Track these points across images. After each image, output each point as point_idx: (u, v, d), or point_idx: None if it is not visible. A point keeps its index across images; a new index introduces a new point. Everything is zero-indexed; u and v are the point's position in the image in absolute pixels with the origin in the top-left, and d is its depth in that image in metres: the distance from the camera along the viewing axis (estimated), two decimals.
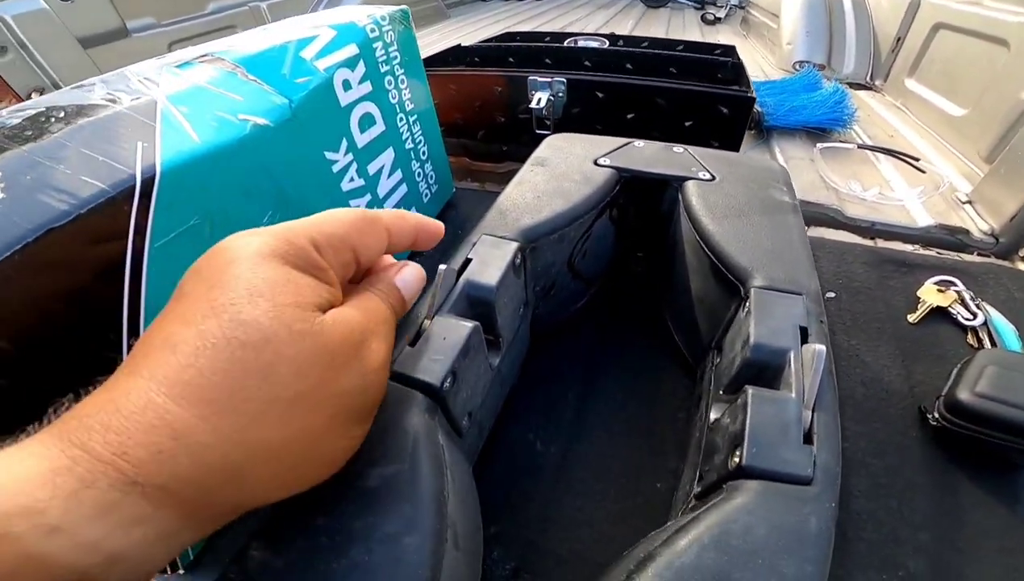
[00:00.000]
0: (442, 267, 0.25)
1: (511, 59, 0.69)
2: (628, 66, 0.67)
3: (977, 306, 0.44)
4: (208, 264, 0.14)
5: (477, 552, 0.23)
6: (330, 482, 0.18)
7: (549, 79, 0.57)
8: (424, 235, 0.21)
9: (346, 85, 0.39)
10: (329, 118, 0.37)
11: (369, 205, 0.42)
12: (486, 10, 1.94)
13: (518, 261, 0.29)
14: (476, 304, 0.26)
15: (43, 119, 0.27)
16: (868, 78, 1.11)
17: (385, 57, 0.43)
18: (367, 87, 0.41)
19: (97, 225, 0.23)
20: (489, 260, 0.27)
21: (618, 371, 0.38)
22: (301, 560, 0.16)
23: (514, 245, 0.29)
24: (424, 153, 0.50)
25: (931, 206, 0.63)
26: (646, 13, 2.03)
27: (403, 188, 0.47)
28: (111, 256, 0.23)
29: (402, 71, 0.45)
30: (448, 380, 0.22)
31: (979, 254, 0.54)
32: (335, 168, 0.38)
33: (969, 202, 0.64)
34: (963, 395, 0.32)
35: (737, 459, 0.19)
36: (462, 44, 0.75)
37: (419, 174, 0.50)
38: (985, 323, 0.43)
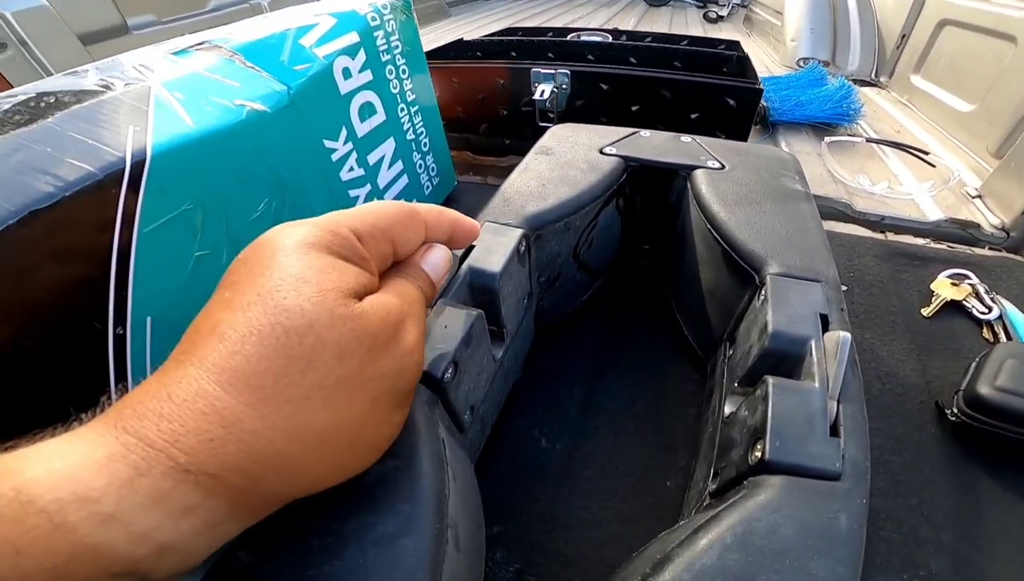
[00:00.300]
0: (450, 254, 0.23)
1: (513, 53, 0.68)
2: (632, 60, 0.66)
3: (992, 300, 0.43)
4: (255, 253, 0.15)
5: (479, 554, 0.21)
6: None
7: (553, 71, 0.56)
8: (460, 233, 0.21)
9: (346, 73, 0.38)
10: (328, 106, 0.36)
11: (369, 195, 0.41)
12: (487, 8, 1.94)
13: (523, 249, 0.28)
14: (479, 292, 0.25)
15: (33, 104, 0.26)
16: (873, 75, 1.10)
17: (386, 46, 0.42)
18: (367, 76, 0.40)
19: (84, 209, 0.22)
20: (493, 247, 0.26)
21: (625, 366, 0.37)
22: (291, 563, 0.15)
23: (519, 232, 0.27)
24: (426, 144, 0.49)
25: (941, 200, 0.62)
26: (648, 11, 2.02)
27: (404, 179, 0.46)
28: (98, 241, 0.22)
29: (403, 61, 0.44)
30: (449, 370, 0.21)
31: (990, 248, 0.53)
32: (334, 157, 0.37)
33: (979, 197, 0.63)
34: (983, 390, 0.31)
35: (759, 453, 0.18)
36: (464, 38, 0.74)
37: (420, 166, 0.49)
38: (1000, 317, 0.42)
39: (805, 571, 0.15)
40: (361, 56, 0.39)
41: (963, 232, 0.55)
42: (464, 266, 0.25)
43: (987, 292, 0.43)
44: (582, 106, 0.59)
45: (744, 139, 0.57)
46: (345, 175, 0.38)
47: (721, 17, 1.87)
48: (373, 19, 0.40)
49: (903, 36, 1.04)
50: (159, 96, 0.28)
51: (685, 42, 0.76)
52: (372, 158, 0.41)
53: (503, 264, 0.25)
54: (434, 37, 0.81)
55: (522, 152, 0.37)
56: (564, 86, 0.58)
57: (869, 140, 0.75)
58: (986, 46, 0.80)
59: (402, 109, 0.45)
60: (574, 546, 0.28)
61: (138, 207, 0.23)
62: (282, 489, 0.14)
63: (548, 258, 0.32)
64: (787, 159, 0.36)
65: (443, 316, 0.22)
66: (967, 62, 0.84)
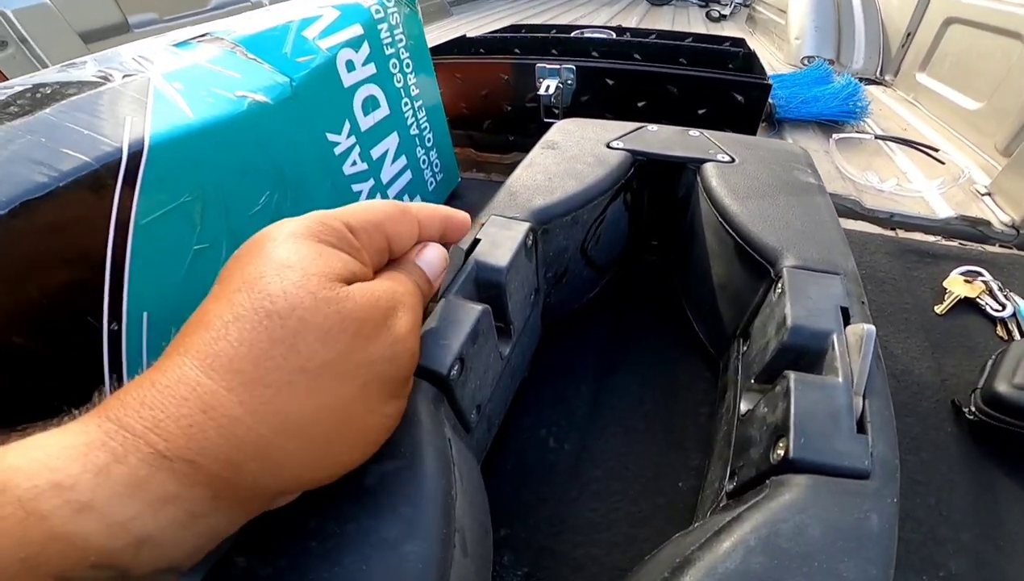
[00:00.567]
0: (447, 253, 0.23)
1: (517, 50, 0.67)
2: (636, 56, 0.66)
3: (1005, 297, 0.42)
4: (247, 247, 0.15)
5: (486, 558, 0.21)
6: None
7: (558, 66, 0.56)
8: (451, 227, 0.21)
9: (349, 66, 0.37)
10: (331, 99, 0.36)
11: (372, 190, 0.41)
12: (488, 7, 1.93)
13: (529, 242, 0.27)
14: (485, 287, 0.25)
15: (29, 95, 0.26)
16: (878, 73, 1.10)
17: (390, 40, 0.41)
18: (371, 69, 0.39)
19: (78, 200, 0.21)
20: (499, 241, 0.25)
21: (634, 363, 0.36)
22: (289, 568, 0.14)
23: (526, 226, 0.27)
24: (429, 140, 0.49)
25: (950, 198, 0.61)
26: (650, 11, 2.01)
27: (407, 174, 0.45)
28: (93, 233, 0.21)
29: (407, 55, 0.43)
30: (456, 367, 0.20)
31: (1001, 246, 0.52)
32: (337, 150, 0.36)
33: (988, 194, 0.63)
34: (1001, 387, 0.31)
35: (782, 452, 0.17)
36: (467, 35, 0.73)
37: (424, 161, 0.48)
38: (1014, 314, 0.41)
39: (835, 573, 0.14)
40: (365, 49, 0.38)
41: (974, 229, 0.54)
42: (470, 260, 0.24)
43: (1000, 289, 0.43)
44: (587, 102, 0.59)
45: (752, 135, 0.56)
46: (348, 169, 0.38)
47: (724, 16, 1.86)
48: (377, 12, 0.40)
49: (908, 34, 1.04)
50: (158, 87, 0.27)
51: (690, 39, 0.75)
52: (375, 152, 0.41)
53: (510, 258, 0.25)
54: (436, 36, 0.80)
55: (526, 149, 0.37)
56: (569, 82, 0.57)
57: (878, 137, 0.74)
58: (993, 44, 0.79)
59: (406, 103, 0.44)
60: (583, 549, 0.27)
61: (135, 199, 0.23)
62: (266, 479, 0.13)
63: (555, 253, 0.32)
64: (798, 153, 0.35)
65: (449, 311, 0.22)
66: (974, 60, 0.84)
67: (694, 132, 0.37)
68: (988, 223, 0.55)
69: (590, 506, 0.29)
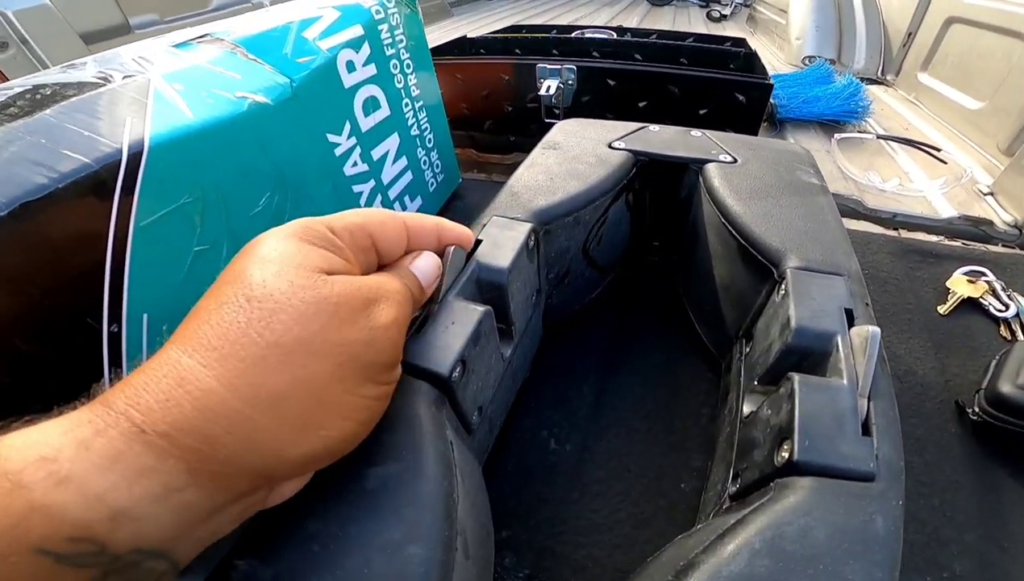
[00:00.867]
0: (450, 248, 0.22)
1: (517, 50, 0.67)
2: (637, 56, 0.66)
3: (1009, 297, 0.42)
4: (241, 251, 0.16)
5: (488, 559, 0.21)
6: (323, 482, 0.16)
7: (559, 66, 0.56)
8: (448, 237, 0.22)
9: (350, 66, 0.37)
10: (332, 99, 0.36)
11: (373, 191, 0.41)
12: (489, 8, 1.93)
13: (531, 243, 0.27)
14: (487, 288, 0.24)
15: (29, 96, 0.26)
16: (879, 73, 1.09)
17: (391, 40, 0.41)
18: (371, 69, 0.39)
19: (78, 201, 0.21)
20: (501, 242, 0.25)
21: (636, 364, 0.36)
22: (291, 571, 0.14)
23: (527, 226, 0.27)
24: (430, 141, 0.49)
25: (952, 197, 0.61)
26: (651, 11, 2.01)
27: (408, 175, 0.45)
28: (94, 234, 0.21)
29: (408, 55, 0.43)
30: (457, 369, 0.20)
31: (1004, 245, 0.52)
32: (338, 151, 0.36)
33: (991, 194, 0.62)
34: (1006, 388, 0.31)
35: (786, 454, 0.17)
36: (467, 36, 0.73)
37: (425, 162, 0.48)
38: (1017, 314, 0.41)
39: (840, 576, 0.14)
40: (365, 50, 0.38)
41: (976, 229, 0.54)
42: (472, 261, 0.24)
43: (1004, 289, 0.42)
44: (588, 102, 0.58)
45: (754, 135, 0.56)
46: (349, 170, 0.38)
47: (724, 16, 1.86)
48: (377, 12, 0.40)
49: (909, 34, 1.03)
50: (158, 88, 0.27)
51: (691, 39, 0.75)
52: (376, 153, 0.41)
53: (512, 259, 0.25)
54: (436, 36, 0.80)
55: (527, 149, 0.37)
56: (570, 82, 0.57)
57: (880, 137, 0.74)
58: (994, 43, 0.79)
59: (406, 104, 0.44)
60: (585, 550, 0.27)
61: (135, 200, 0.23)
62: (243, 454, 0.13)
63: (557, 254, 0.32)
64: (801, 153, 0.35)
65: (450, 313, 0.21)
66: (975, 59, 0.83)
67: (696, 132, 0.37)
68: (991, 223, 0.55)
69: (592, 507, 0.28)
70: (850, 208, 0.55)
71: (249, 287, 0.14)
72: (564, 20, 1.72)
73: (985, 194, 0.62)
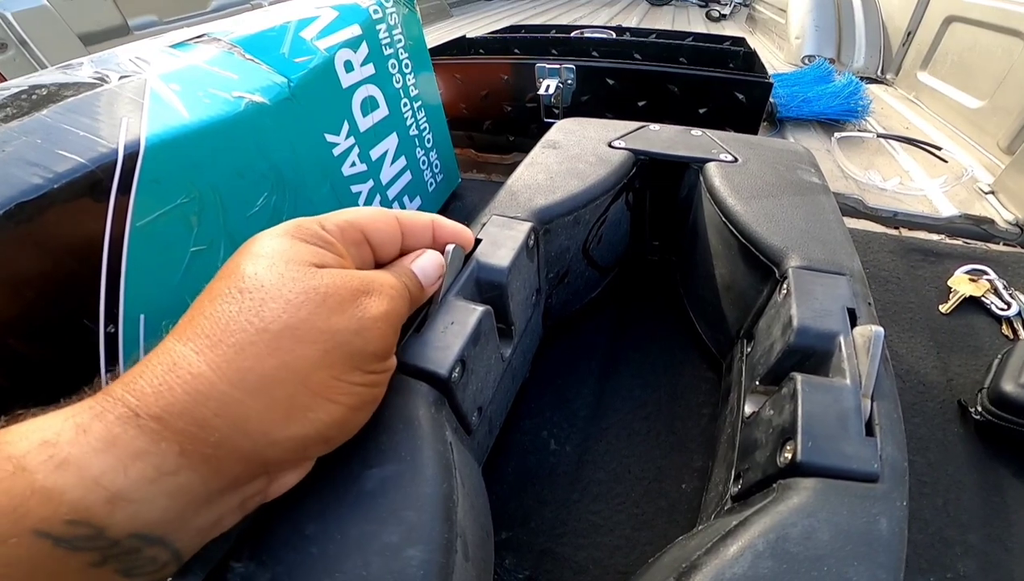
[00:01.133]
0: (450, 247, 0.22)
1: (516, 50, 0.67)
2: (637, 56, 0.66)
3: (1011, 295, 0.42)
4: (238, 250, 0.16)
5: (488, 561, 0.20)
6: (322, 484, 0.16)
7: (558, 65, 0.55)
8: (443, 235, 0.22)
9: (348, 66, 0.37)
10: (330, 99, 0.35)
11: (372, 191, 0.41)
12: (488, 8, 1.93)
13: (531, 243, 0.27)
14: (486, 288, 0.24)
15: (25, 97, 0.25)
16: (879, 72, 1.09)
17: (389, 40, 0.41)
18: (370, 69, 0.39)
19: (74, 201, 0.21)
20: (501, 241, 0.25)
21: (636, 364, 0.36)
22: (288, 573, 0.14)
23: (527, 225, 0.26)
24: (429, 141, 0.48)
25: (953, 196, 0.61)
26: (650, 11, 2.01)
27: (407, 175, 0.45)
28: (90, 235, 0.21)
29: (406, 55, 0.43)
30: (456, 370, 0.20)
31: (1005, 244, 0.52)
32: (336, 151, 0.36)
33: (992, 192, 0.62)
34: (1008, 387, 0.30)
35: (789, 455, 0.16)
36: (467, 36, 0.73)
37: (424, 162, 0.48)
38: (1019, 313, 0.41)
39: (845, 578, 0.14)
40: (363, 49, 0.38)
41: (977, 228, 0.54)
42: (471, 260, 0.24)
43: (1006, 288, 0.42)
44: (587, 102, 0.58)
45: (754, 134, 0.56)
46: (347, 170, 0.37)
47: (723, 16, 1.86)
48: (375, 12, 0.39)
49: (909, 33, 1.03)
50: (155, 88, 0.27)
51: (690, 38, 0.75)
52: (375, 153, 0.40)
53: (512, 258, 0.24)
54: (436, 37, 0.80)
55: (526, 149, 0.36)
56: (569, 81, 0.57)
57: (880, 136, 0.74)
58: (994, 42, 0.79)
59: (405, 104, 0.44)
60: (585, 552, 0.26)
61: (131, 200, 0.22)
62: (233, 437, 0.13)
63: (557, 253, 0.31)
64: (802, 152, 0.35)
65: (449, 312, 0.21)
66: (975, 58, 0.83)
67: (696, 131, 0.37)
68: (992, 221, 0.55)
69: (592, 508, 0.28)
70: (851, 207, 0.55)
71: (242, 280, 0.15)
72: (563, 20, 1.72)
73: (986, 193, 0.62)
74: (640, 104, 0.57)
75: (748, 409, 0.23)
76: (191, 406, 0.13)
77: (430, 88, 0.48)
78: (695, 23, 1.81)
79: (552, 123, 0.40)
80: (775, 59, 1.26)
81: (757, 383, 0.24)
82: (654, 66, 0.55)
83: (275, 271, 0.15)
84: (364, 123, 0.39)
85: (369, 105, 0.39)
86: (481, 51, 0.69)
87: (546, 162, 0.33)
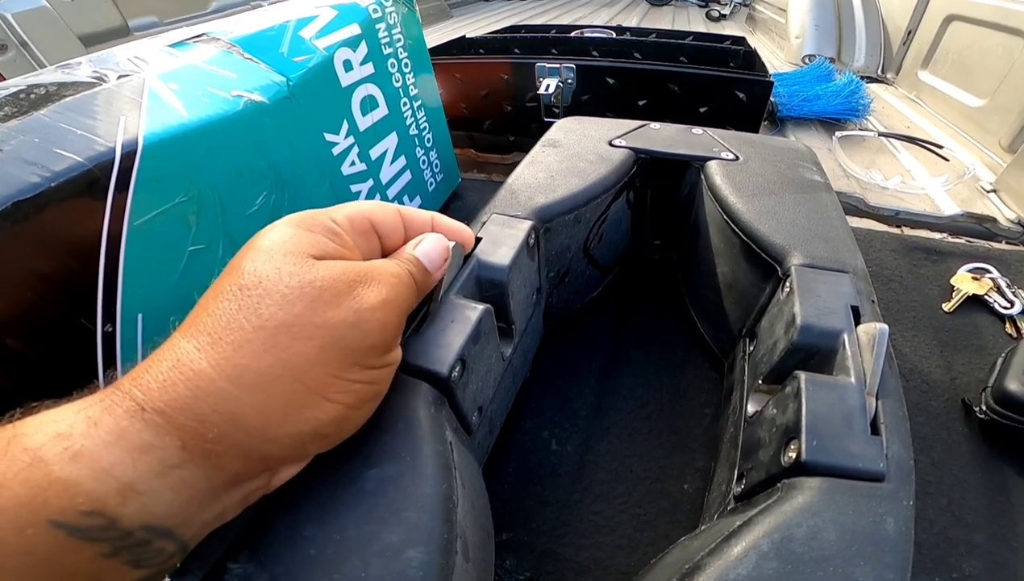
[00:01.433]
0: (450, 245, 0.22)
1: (517, 50, 0.67)
2: (637, 55, 0.65)
3: (1014, 294, 0.42)
4: (247, 243, 0.17)
5: (488, 562, 0.20)
6: (320, 484, 0.16)
7: (558, 65, 0.55)
8: (443, 232, 0.21)
9: (347, 65, 0.37)
10: (329, 98, 0.35)
11: (371, 190, 0.40)
12: (488, 9, 1.94)
13: (532, 241, 0.27)
14: (487, 287, 0.24)
15: (23, 96, 0.25)
16: (879, 71, 1.09)
17: (388, 39, 0.41)
18: (369, 68, 0.39)
19: (72, 200, 0.20)
20: (501, 239, 0.25)
21: (638, 364, 0.36)
22: (287, 575, 0.14)
23: (528, 224, 0.26)
24: (429, 140, 0.48)
25: (955, 195, 0.60)
26: (650, 11, 2.01)
27: (407, 175, 0.45)
28: (87, 234, 0.21)
29: (406, 55, 0.43)
30: (456, 369, 0.20)
31: (1008, 243, 0.52)
32: (335, 151, 0.36)
33: (994, 191, 0.62)
34: (1012, 386, 0.30)
35: (793, 454, 0.16)
36: (466, 36, 0.73)
37: (424, 162, 0.48)
38: (1023, 311, 0.40)
39: (850, 578, 0.14)
40: (363, 48, 0.38)
41: (980, 226, 0.53)
42: (471, 259, 0.24)
43: (1009, 286, 0.42)
44: (588, 101, 0.58)
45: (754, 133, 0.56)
46: (346, 169, 0.37)
47: (724, 15, 1.86)
48: (375, 11, 0.39)
49: (909, 32, 1.03)
50: (153, 87, 0.27)
51: (691, 38, 0.75)
52: (374, 153, 0.40)
53: (512, 257, 0.24)
54: (436, 38, 0.80)
55: (527, 149, 0.36)
56: (569, 81, 0.57)
57: (881, 134, 0.74)
58: (994, 41, 0.79)
59: (405, 103, 0.44)
60: (587, 553, 0.26)
61: (129, 199, 0.22)
62: (232, 432, 0.13)
63: (558, 252, 0.31)
64: (803, 150, 0.35)
65: (449, 311, 0.21)
66: (975, 57, 0.83)
67: (697, 130, 0.37)
68: (994, 220, 0.54)
69: (594, 509, 0.28)
70: (852, 206, 0.55)
71: (241, 276, 0.15)
72: (563, 20, 1.72)
73: (988, 191, 0.62)
74: (640, 103, 0.57)
75: (751, 408, 0.23)
76: (192, 401, 0.13)
77: (430, 88, 0.47)
78: (695, 23, 1.81)
79: (552, 123, 0.40)
80: (775, 59, 1.26)
81: (760, 382, 0.23)
82: (654, 65, 0.55)
83: (271, 265, 0.15)
84: (363, 122, 0.39)
85: (368, 104, 0.39)
86: (481, 51, 0.69)
87: (546, 161, 0.33)
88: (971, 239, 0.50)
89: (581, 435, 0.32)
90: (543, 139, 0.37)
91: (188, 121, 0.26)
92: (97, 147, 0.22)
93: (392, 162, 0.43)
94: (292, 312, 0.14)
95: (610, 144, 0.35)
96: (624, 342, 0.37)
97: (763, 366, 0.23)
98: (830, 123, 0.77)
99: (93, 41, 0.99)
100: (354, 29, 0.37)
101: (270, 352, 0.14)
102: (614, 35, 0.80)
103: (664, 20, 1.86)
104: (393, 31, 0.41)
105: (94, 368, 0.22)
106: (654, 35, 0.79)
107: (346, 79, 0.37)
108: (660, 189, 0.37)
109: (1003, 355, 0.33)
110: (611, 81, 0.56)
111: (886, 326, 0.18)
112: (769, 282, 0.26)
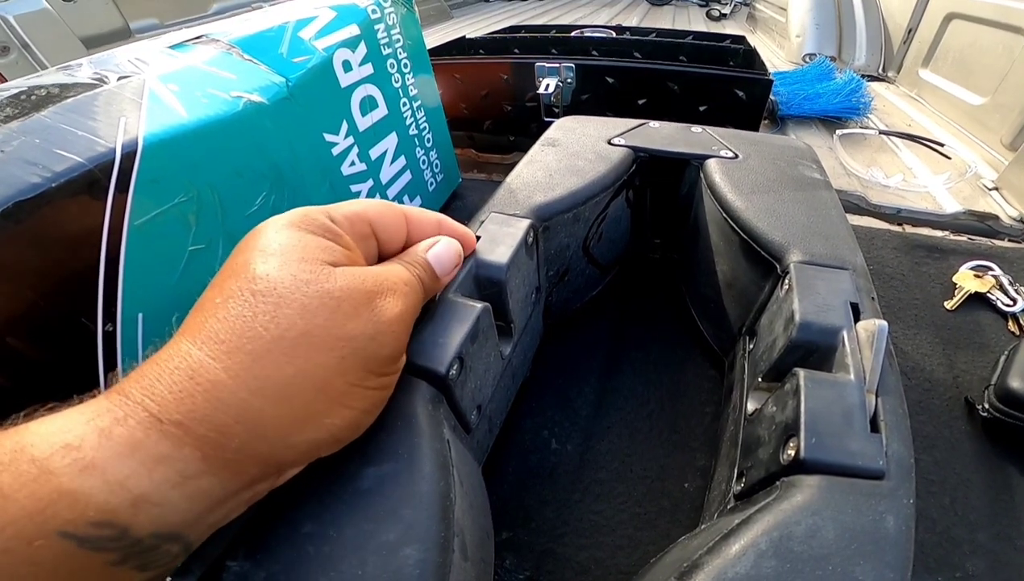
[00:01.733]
0: (461, 250, 0.22)
1: (516, 50, 0.67)
2: (637, 54, 0.65)
3: (1016, 291, 0.41)
4: (242, 241, 0.16)
5: (488, 562, 0.20)
6: (318, 482, 0.16)
7: (557, 64, 0.55)
8: (447, 234, 0.21)
9: (346, 66, 0.37)
10: (328, 99, 0.35)
11: (371, 190, 0.40)
12: (489, 10, 1.94)
13: (530, 239, 0.27)
14: (485, 285, 0.24)
15: (24, 97, 0.25)
16: (880, 69, 1.09)
17: (387, 40, 0.41)
18: (368, 69, 0.39)
19: (72, 200, 0.21)
20: (499, 238, 0.25)
21: (638, 363, 0.36)
22: (284, 573, 0.14)
23: (526, 222, 0.26)
24: (429, 140, 0.48)
25: (957, 193, 0.60)
26: (650, 11, 2.01)
27: (407, 175, 0.45)
28: (88, 233, 0.21)
29: (405, 55, 0.43)
30: (455, 367, 0.20)
31: (1010, 240, 0.52)
32: (335, 151, 0.36)
33: (995, 189, 0.62)
34: (1015, 384, 0.30)
35: (792, 452, 0.16)
36: (466, 36, 0.73)
37: (424, 162, 0.48)
38: None
39: (851, 577, 0.13)
40: (362, 49, 0.38)
41: (982, 224, 0.53)
42: (470, 258, 0.24)
43: (1011, 284, 0.42)
44: (587, 101, 0.58)
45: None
46: (346, 170, 0.37)
47: (724, 15, 1.86)
48: (374, 12, 0.39)
49: (909, 30, 1.03)
50: (153, 88, 0.27)
51: (690, 37, 0.75)
52: (374, 153, 0.40)
53: (510, 255, 0.24)
54: (437, 39, 0.80)
55: (527, 149, 0.36)
56: (569, 80, 0.57)
57: (882, 132, 0.73)
58: (995, 39, 0.78)
59: (404, 104, 0.44)
60: (587, 552, 0.26)
61: (129, 199, 0.22)
62: (253, 443, 0.13)
63: (557, 251, 0.31)
64: (803, 148, 0.35)
65: (447, 309, 0.21)
66: (976, 55, 0.83)
67: (696, 128, 0.37)
68: (996, 218, 0.54)
69: (593, 508, 0.28)
70: (853, 204, 0.55)
71: (253, 281, 0.14)
72: (563, 21, 1.72)
73: (990, 189, 0.61)
74: (640, 102, 0.56)
75: (751, 406, 0.23)
76: (212, 413, 0.13)
77: (429, 88, 0.48)
78: (695, 22, 1.81)
79: (552, 122, 0.40)
80: (776, 58, 1.25)
81: (760, 380, 0.23)
82: (654, 64, 0.55)
83: (287, 271, 0.15)
84: (363, 123, 0.39)
85: (368, 105, 0.39)
86: (481, 51, 0.69)
87: (545, 160, 0.33)
88: (973, 237, 0.50)
89: (581, 434, 0.32)
90: (542, 138, 0.37)
91: (188, 122, 0.26)
92: (98, 148, 0.22)
93: (392, 162, 0.43)
94: (313, 322, 0.14)
95: (609, 143, 0.35)
96: (624, 341, 0.37)
97: (763, 364, 0.23)
98: (831, 122, 0.77)
99: (95, 43, 0.99)
100: (353, 30, 0.38)
101: (292, 363, 0.14)
102: (614, 35, 0.80)
103: (664, 20, 1.86)
104: (392, 31, 0.41)
105: (95, 368, 0.22)
106: (654, 34, 0.79)
107: (345, 79, 0.37)
108: (659, 188, 0.37)
109: (1006, 353, 0.33)
110: (611, 80, 0.56)
111: (885, 323, 0.18)
112: (768, 280, 0.26)
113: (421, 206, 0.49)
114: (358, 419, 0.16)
